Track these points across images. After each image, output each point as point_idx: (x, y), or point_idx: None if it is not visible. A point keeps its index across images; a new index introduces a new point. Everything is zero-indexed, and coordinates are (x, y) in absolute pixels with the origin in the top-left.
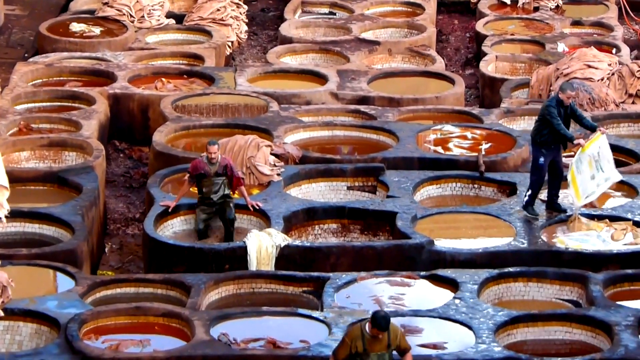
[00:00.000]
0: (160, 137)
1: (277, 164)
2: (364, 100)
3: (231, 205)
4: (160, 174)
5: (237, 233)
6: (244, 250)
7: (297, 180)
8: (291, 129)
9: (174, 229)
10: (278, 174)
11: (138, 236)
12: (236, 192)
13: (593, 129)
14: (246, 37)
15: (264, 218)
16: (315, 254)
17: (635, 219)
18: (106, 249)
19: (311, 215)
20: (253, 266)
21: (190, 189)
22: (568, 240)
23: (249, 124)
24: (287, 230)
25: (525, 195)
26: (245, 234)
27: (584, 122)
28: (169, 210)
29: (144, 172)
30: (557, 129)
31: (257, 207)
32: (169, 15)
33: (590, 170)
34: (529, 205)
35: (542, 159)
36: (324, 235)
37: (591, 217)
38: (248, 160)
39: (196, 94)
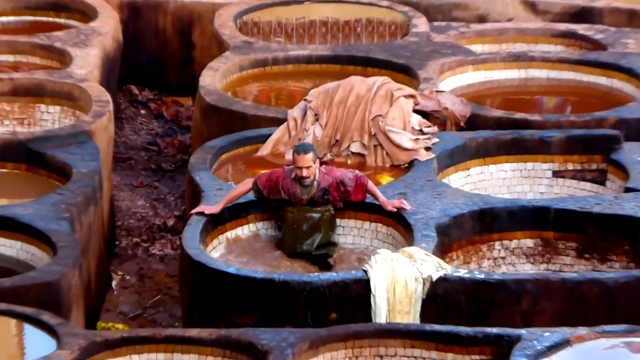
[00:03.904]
0: (214, 79)
1: (425, 130)
2: (584, 14)
3: (331, 258)
4: (213, 147)
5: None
6: (364, 285)
7: (463, 160)
8: (452, 66)
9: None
10: (427, 148)
11: (171, 260)
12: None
13: None
14: None
15: (400, 227)
16: (496, 294)
17: None
18: (114, 283)
19: (488, 222)
20: (381, 314)
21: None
22: None
23: (374, 56)
24: (443, 251)
25: None
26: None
27: None
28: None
29: (184, 143)
30: None
31: (399, 210)
32: None
33: None
34: None
35: None
36: (510, 259)
37: None
38: (374, 122)
39: (277, 3)
